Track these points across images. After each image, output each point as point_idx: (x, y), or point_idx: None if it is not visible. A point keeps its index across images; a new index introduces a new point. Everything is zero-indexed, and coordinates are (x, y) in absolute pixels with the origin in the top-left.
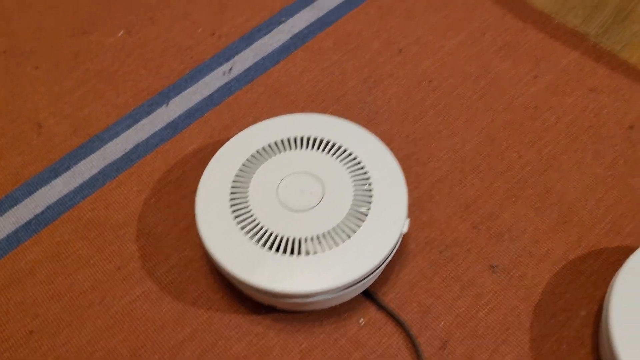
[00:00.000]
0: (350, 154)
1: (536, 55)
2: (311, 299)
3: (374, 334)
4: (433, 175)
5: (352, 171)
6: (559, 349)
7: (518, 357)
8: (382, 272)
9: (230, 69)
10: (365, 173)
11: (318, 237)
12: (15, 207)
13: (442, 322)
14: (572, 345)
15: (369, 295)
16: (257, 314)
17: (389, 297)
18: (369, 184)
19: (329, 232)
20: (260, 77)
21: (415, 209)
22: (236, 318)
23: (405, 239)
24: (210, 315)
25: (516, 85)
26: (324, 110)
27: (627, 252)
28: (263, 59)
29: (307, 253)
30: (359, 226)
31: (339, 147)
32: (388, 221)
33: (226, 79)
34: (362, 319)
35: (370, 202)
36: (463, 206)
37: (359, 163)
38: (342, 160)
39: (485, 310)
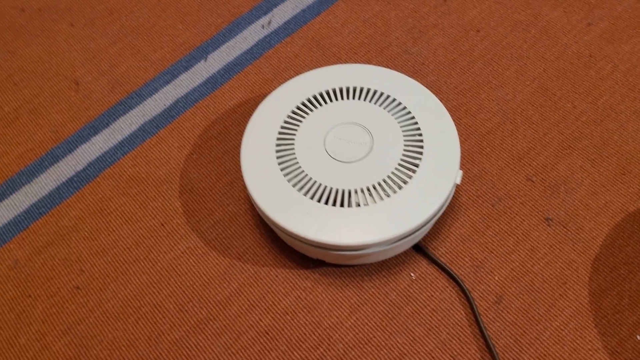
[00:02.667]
0: (399, 104)
1: (589, 2)
2: (360, 252)
3: (426, 288)
4: (483, 127)
5: (401, 121)
6: (620, 303)
7: (576, 311)
8: (433, 225)
9: (269, 22)
10: (415, 123)
11: (368, 189)
12: (56, 165)
13: (497, 277)
14: (634, 299)
15: (419, 249)
16: (305, 268)
17: (440, 252)
18: (420, 134)
19: (379, 184)
20: (300, 30)
21: (465, 161)
22: (283, 272)
23: (455, 193)
24: (257, 270)
25: (569, 34)
26: (367, 62)
27: None
28: (303, 11)
29: (357, 205)
30: (411, 177)
31: (387, 97)
32: (441, 172)
33: (265, 32)
34: (413, 274)
35: (421, 153)
36: (515, 158)
37: (408, 113)
38: (390, 110)
39: (541, 264)
